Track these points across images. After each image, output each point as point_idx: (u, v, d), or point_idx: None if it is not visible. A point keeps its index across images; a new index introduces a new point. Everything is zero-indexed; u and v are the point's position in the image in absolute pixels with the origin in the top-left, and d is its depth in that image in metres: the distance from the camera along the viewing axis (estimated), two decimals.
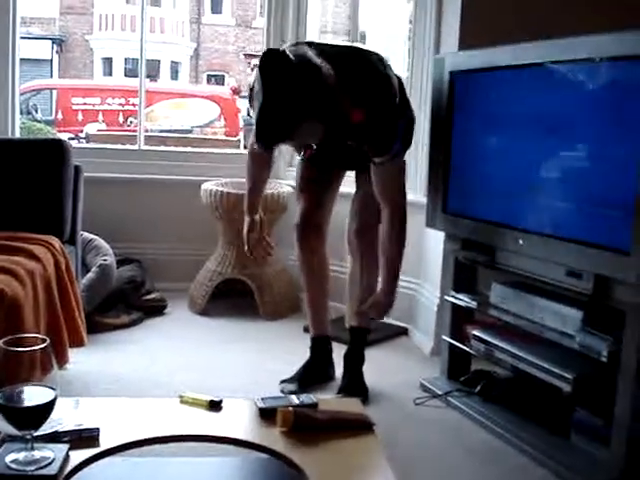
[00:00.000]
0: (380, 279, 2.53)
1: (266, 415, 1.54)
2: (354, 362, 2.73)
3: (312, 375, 2.72)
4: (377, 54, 2.40)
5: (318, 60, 2.13)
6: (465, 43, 2.83)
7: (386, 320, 3.29)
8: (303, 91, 2.06)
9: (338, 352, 2.79)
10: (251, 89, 2.27)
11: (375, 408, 2.53)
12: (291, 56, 2.06)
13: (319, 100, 2.10)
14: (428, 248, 3.20)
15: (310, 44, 2.31)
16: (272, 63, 2.07)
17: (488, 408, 2.50)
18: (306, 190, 2.71)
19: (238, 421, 1.57)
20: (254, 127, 2.10)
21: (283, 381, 2.66)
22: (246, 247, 2.66)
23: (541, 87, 2.26)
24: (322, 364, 2.77)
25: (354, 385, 2.64)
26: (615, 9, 2.57)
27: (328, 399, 1.82)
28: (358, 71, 2.28)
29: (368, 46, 2.55)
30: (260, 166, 2.67)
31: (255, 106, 2.10)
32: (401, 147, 2.40)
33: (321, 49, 2.22)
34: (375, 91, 2.29)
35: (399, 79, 2.46)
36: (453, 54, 2.73)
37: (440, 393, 2.63)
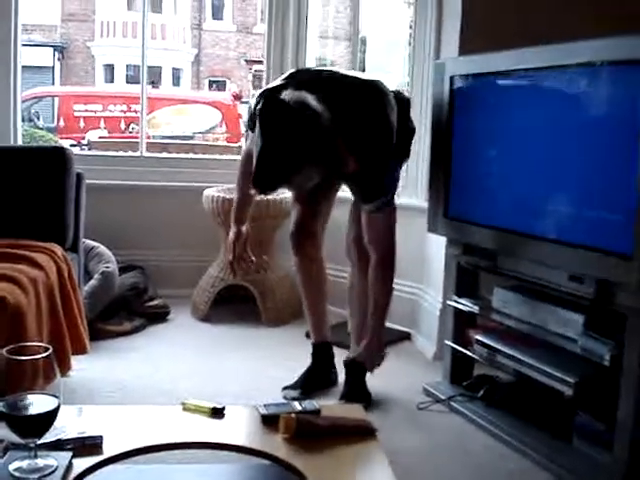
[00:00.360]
0: (368, 324, 2.58)
1: (268, 422, 1.54)
2: (356, 369, 2.72)
3: (314, 381, 2.72)
4: (378, 87, 2.40)
5: (317, 106, 2.15)
6: (465, 48, 2.83)
7: (389, 325, 3.30)
8: (302, 139, 2.10)
9: (340, 357, 2.79)
10: (252, 114, 2.32)
11: (378, 413, 2.54)
12: (291, 104, 2.10)
13: (317, 147, 2.14)
14: (430, 253, 3.20)
15: (309, 83, 2.30)
16: (272, 111, 2.12)
17: (491, 413, 2.50)
18: (301, 198, 2.70)
19: (241, 428, 1.58)
20: (256, 162, 2.12)
21: (285, 387, 2.66)
22: (230, 256, 2.65)
23: (542, 92, 2.27)
24: (324, 370, 2.77)
25: (357, 391, 2.63)
26: (615, 14, 2.58)
27: (330, 405, 1.82)
28: (357, 116, 2.30)
29: (370, 74, 2.58)
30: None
31: (254, 149, 2.13)
32: (388, 198, 2.44)
33: (320, 90, 2.23)
34: (372, 140, 2.33)
35: (403, 100, 2.50)
36: (453, 59, 2.73)
37: (443, 398, 2.63)
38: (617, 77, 2.00)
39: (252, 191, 2.41)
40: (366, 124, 2.32)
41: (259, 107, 2.15)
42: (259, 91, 2.44)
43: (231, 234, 2.65)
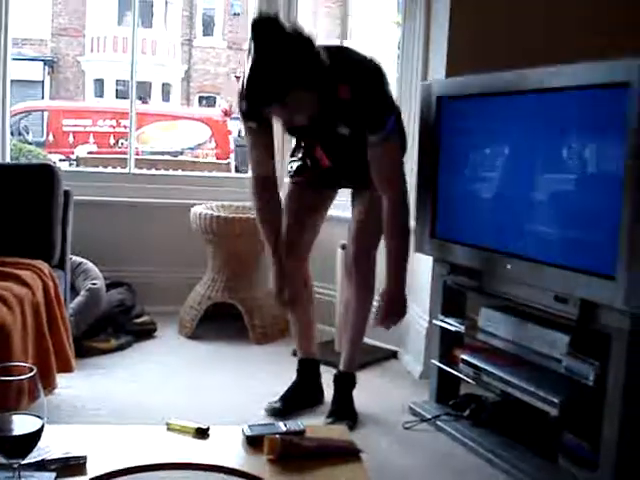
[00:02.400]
0: (386, 275, 2.45)
1: (253, 443, 1.54)
2: (344, 386, 2.72)
3: (298, 396, 2.72)
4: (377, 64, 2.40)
5: (308, 33, 2.14)
6: (452, 70, 2.86)
7: (376, 343, 3.31)
8: (294, 56, 2.08)
9: (327, 375, 2.79)
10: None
11: (364, 432, 2.54)
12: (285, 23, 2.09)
13: (309, 68, 2.11)
14: (417, 272, 3.21)
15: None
16: (265, 26, 2.09)
17: (477, 432, 2.50)
18: (289, 212, 2.65)
19: (225, 449, 1.57)
20: (244, 92, 2.12)
21: (270, 402, 2.67)
22: (279, 298, 2.59)
23: (527, 114, 2.29)
24: (309, 386, 2.77)
25: (343, 410, 2.63)
26: (599, 38, 2.61)
27: (315, 426, 1.83)
28: (347, 54, 2.32)
29: None
30: (268, 202, 2.55)
31: (246, 69, 2.10)
32: (395, 125, 2.38)
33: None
34: (362, 69, 2.31)
35: None
36: (440, 80, 2.76)
37: (429, 417, 2.63)
38: (602, 100, 2.02)
39: (243, 108, 2.35)
40: (357, 60, 2.33)
41: (251, 25, 2.10)
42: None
43: (273, 272, 2.61)
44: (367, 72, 2.31)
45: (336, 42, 3.58)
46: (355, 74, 2.30)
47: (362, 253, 2.61)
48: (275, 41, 2.07)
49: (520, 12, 2.87)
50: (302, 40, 2.11)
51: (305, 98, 2.18)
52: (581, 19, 2.86)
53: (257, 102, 2.16)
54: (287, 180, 2.73)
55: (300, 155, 2.63)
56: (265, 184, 2.52)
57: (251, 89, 2.10)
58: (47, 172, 2.82)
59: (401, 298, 2.47)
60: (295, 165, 2.64)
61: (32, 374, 1.28)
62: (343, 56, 2.32)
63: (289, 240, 2.64)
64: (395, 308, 2.47)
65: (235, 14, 21.32)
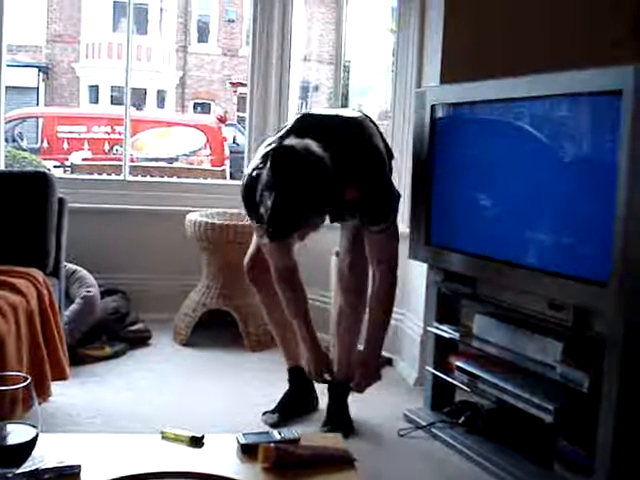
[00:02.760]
0: (365, 341, 2.53)
1: (248, 451, 1.54)
2: (339, 394, 2.71)
3: (294, 405, 2.72)
4: (363, 120, 2.44)
5: (320, 151, 2.17)
6: (446, 77, 2.87)
7: None
8: (313, 185, 2.12)
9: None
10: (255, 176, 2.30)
11: (359, 439, 2.54)
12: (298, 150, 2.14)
13: (325, 191, 2.16)
14: (412, 279, 3.22)
15: (306, 128, 2.33)
16: (284, 160, 2.13)
17: (472, 439, 2.50)
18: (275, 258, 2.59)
19: (220, 457, 1.57)
20: (266, 222, 2.13)
21: (265, 413, 2.66)
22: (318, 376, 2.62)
23: (521, 122, 2.30)
24: (303, 394, 2.76)
25: (339, 418, 2.63)
26: (593, 45, 2.63)
27: (310, 434, 1.83)
28: (350, 150, 2.31)
29: (351, 110, 2.70)
30: (295, 290, 2.58)
31: (266, 202, 2.12)
32: (396, 211, 2.45)
33: (316, 133, 2.25)
34: (367, 167, 2.34)
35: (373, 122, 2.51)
36: (434, 88, 2.76)
37: (424, 424, 2.63)
38: (596, 108, 2.03)
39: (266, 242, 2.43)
40: (359, 156, 2.34)
41: (270, 158, 2.15)
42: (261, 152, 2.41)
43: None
44: (373, 170, 2.36)
45: (326, 66, 3.58)
46: (362, 174, 2.33)
47: (358, 262, 2.62)
48: (294, 174, 2.11)
49: (514, 20, 2.89)
50: (317, 168, 2.14)
51: (319, 215, 2.23)
52: (576, 27, 2.88)
53: (282, 232, 2.17)
54: None
55: None
56: (288, 274, 2.56)
57: (276, 221, 2.11)
58: (41, 179, 2.82)
59: (375, 366, 2.55)
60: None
61: (26, 383, 1.28)
62: (346, 149, 2.30)
63: (253, 250, 2.67)
64: (368, 374, 2.53)
65: (230, 21, 21.33)
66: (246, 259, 2.73)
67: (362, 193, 2.32)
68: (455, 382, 2.60)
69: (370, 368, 2.53)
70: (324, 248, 3.02)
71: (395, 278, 2.48)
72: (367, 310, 2.54)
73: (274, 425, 2.56)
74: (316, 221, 2.22)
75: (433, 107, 2.58)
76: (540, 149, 2.23)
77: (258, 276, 2.68)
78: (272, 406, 2.69)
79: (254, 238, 2.69)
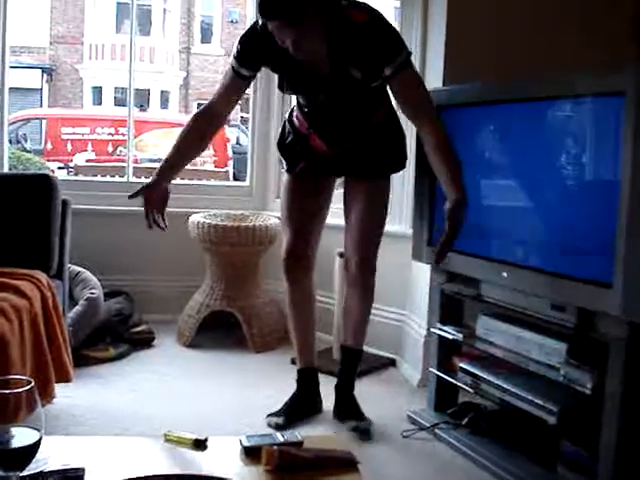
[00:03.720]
0: (444, 180, 2.23)
1: (251, 453, 1.54)
2: (345, 387, 2.75)
3: (299, 408, 2.71)
4: None
5: None
6: (450, 78, 2.87)
7: (373, 351, 3.32)
8: None
9: (325, 384, 2.79)
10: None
11: (362, 441, 2.54)
12: None
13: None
14: (415, 280, 3.22)
15: None
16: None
17: (475, 440, 2.50)
18: (291, 220, 2.67)
19: (223, 460, 1.57)
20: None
21: (270, 415, 2.65)
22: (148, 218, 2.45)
23: (526, 123, 2.30)
24: (309, 397, 2.76)
25: (350, 409, 2.69)
26: (596, 48, 2.62)
27: (313, 436, 1.83)
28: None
29: None
30: (199, 126, 2.49)
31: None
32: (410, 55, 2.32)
33: None
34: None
35: None
36: (437, 89, 2.75)
37: (427, 425, 2.63)
38: (600, 110, 2.03)
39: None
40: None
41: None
42: None
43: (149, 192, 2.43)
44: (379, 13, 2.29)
45: None
46: (369, 7, 2.29)
47: (363, 259, 2.62)
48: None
49: (518, 21, 2.88)
50: None
51: (317, 27, 2.19)
52: (580, 29, 2.87)
53: (272, 13, 2.12)
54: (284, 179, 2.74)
55: (290, 139, 2.64)
56: (208, 113, 2.48)
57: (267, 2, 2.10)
58: (45, 182, 2.83)
59: (465, 205, 2.19)
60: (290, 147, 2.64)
61: (30, 387, 1.28)
62: None
63: (292, 246, 2.64)
64: (461, 218, 2.18)
65: (233, 21, 21.36)
66: (282, 252, 2.68)
67: (371, 18, 2.25)
68: (458, 383, 2.59)
69: (464, 208, 2.20)
70: (328, 249, 3.03)
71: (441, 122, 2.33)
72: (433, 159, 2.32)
73: (279, 427, 2.55)
74: (313, 28, 2.17)
75: (436, 108, 2.58)
76: (544, 150, 2.23)
77: (296, 269, 2.67)
78: (275, 408, 2.69)
79: (288, 228, 2.67)
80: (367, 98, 2.46)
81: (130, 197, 2.41)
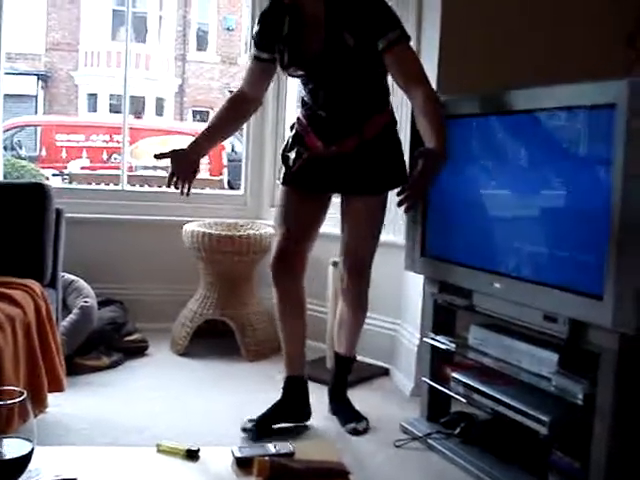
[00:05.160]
0: (428, 138, 2.19)
1: (243, 464, 1.55)
2: (339, 388, 2.84)
3: (279, 415, 2.69)
4: None
5: None
6: (442, 90, 2.87)
7: (367, 360, 3.32)
8: None
9: (316, 392, 2.81)
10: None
11: (355, 450, 2.55)
12: None
13: None
14: (408, 289, 3.23)
15: None
16: None
17: (468, 450, 2.51)
18: (285, 223, 2.64)
19: (215, 470, 1.58)
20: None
21: (249, 419, 2.64)
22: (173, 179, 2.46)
23: (517, 134, 2.31)
24: (294, 405, 2.73)
25: (347, 411, 2.77)
26: (590, 59, 2.64)
27: (305, 445, 1.83)
28: None
29: None
30: (236, 107, 2.64)
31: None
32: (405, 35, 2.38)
33: None
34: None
35: None
36: None
37: (420, 435, 2.64)
38: (591, 121, 2.04)
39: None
40: None
41: None
42: None
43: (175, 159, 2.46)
44: None
45: None
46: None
47: (359, 271, 2.66)
48: None
49: (511, 32, 2.90)
50: None
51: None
52: (572, 40, 2.90)
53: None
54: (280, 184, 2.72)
55: (291, 142, 2.65)
56: (239, 96, 2.64)
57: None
58: (39, 191, 2.82)
59: (444, 156, 2.14)
60: (291, 157, 2.63)
61: (22, 398, 1.29)
62: None
63: (280, 252, 2.61)
64: (435, 165, 2.10)
65: (228, 29, 21.40)
66: (272, 255, 2.66)
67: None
68: (451, 393, 2.60)
69: (440, 159, 2.14)
70: (322, 257, 3.04)
71: (436, 94, 2.36)
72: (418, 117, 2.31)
73: (246, 431, 2.58)
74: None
75: None
76: (534, 161, 2.25)
77: (284, 276, 2.64)
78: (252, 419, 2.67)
79: (281, 231, 2.65)
80: (365, 92, 2.49)
81: (155, 156, 2.49)
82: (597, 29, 2.91)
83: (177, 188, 2.47)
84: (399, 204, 2.02)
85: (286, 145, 2.69)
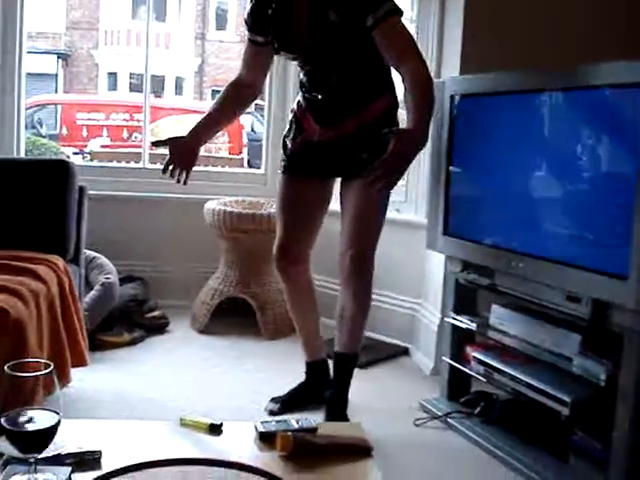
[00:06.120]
0: (409, 117, 2.12)
1: (266, 439, 1.56)
2: (338, 402, 2.58)
3: (300, 398, 2.69)
4: None
5: None
6: (466, 68, 2.86)
7: (386, 339, 3.33)
8: None
9: None
10: None
11: (375, 429, 2.52)
12: None
13: None
14: (429, 269, 3.22)
15: None
16: None
17: (487, 430, 2.51)
18: (284, 214, 2.57)
19: (238, 445, 1.59)
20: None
21: (271, 399, 2.66)
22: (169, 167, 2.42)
23: (540, 113, 2.29)
24: (316, 388, 2.72)
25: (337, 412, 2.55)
26: (612, 40, 2.61)
27: (328, 423, 1.84)
28: None
29: None
30: (234, 95, 2.57)
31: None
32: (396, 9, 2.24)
33: None
34: None
35: None
36: (453, 78, 2.75)
37: (440, 414, 2.64)
38: (617, 101, 2.02)
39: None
40: None
41: None
42: None
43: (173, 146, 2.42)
44: None
45: None
46: None
47: (361, 259, 2.44)
48: None
49: (536, 10, 2.87)
50: None
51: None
52: (597, 19, 2.86)
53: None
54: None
55: (289, 127, 2.59)
56: (237, 83, 2.57)
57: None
58: (62, 167, 2.84)
59: (419, 140, 2.08)
60: (288, 142, 2.57)
61: (49, 370, 1.30)
62: None
63: (281, 242, 2.56)
64: (407, 148, 2.04)
65: None
66: (274, 249, 2.60)
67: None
68: (471, 373, 2.60)
69: (421, 134, 2.09)
70: (336, 235, 3.03)
71: (428, 73, 2.23)
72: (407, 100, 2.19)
73: (273, 414, 2.57)
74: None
75: (452, 97, 2.58)
76: (560, 141, 2.22)
77: (286, 267, 2.60)
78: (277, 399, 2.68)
79: (280, 222, 2.59)
80: (362, 72, 2.39)
81: (152, 143, 2.48)
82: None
83: (173, 177, 2.42)
84: (370, 184, 1.98)
85: (287, 130, 2.61)
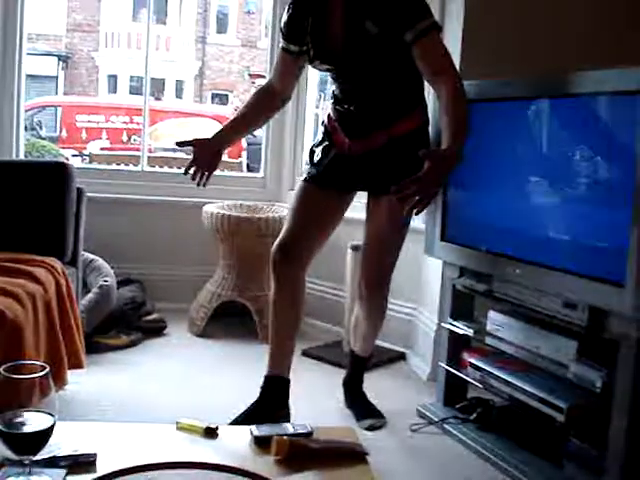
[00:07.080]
0: (444, 138, 2.11)
1: (261, 443, 1.55)
2: (354, 384, 2.78)
3: (255, 418, 2.35)
4: None
5: None
6: (465, 74, 2.85)
7: (384, 344, 3.32)
8: None
9: (332, 375, 2.82)
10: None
11: (371, 434, 2.55)
12: None
13: None
14: (427, 274, 3.22)
15: None
16: None
17: (484, 436, 2.51)
18: (296, 216, 2.50)
19: (233, 449, 1.58)
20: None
21: (231, 423, 2.40)
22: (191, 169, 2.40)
23: (540, 120, 2.30)
24: (270, 407, 2.48)
25: (364, 408, 2.70)
26: (613, 47, 2.61)
27: (323, 427, 1.83)
28: None
29: None
30: (264, 101, 2.56)
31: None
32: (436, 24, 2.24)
33: None
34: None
35: None
36: None
37: (436, 420, 2.64)
38: (614, 108, 2.03)
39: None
40: None
41: None
42: None
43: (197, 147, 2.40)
44: None
45: None
46: None
47: (379, 281, 2.50)
48: None
49: (536, 17, 2.87)
50: None
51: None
52: (597, 22, 2.87)
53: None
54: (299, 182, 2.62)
55: (320, 139, 2.56)
56: (267, 89, 2.56)
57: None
58: (61, 170, 2.84)
59: (453, 159, 2.05)
60: (317, 152, 2.54)
61: (45, 372, 1.30)
62: None
63: (284, 241, 2.46)
64: (441, 168, 2.02)
65: (249, 12, 21.36)
66: (275, 244, 2.49)
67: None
68: (468, 378, 2.60)
69: (455, 156, 2.07)
70: (341, 241, 3.04)
71: (462, 84, 2.21)
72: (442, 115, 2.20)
73: None
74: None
75: None
76: (557, 147, 2.23)
77: (282, 268, 2.45)
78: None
79: (289, 220, 2.52)
80: (396, 85, 2.37)
81: (177, 143, 2.43)
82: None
83: (194, 179, 2.40)
84: (398, 200, 1.94)
85: (317, 141, 2.58)
